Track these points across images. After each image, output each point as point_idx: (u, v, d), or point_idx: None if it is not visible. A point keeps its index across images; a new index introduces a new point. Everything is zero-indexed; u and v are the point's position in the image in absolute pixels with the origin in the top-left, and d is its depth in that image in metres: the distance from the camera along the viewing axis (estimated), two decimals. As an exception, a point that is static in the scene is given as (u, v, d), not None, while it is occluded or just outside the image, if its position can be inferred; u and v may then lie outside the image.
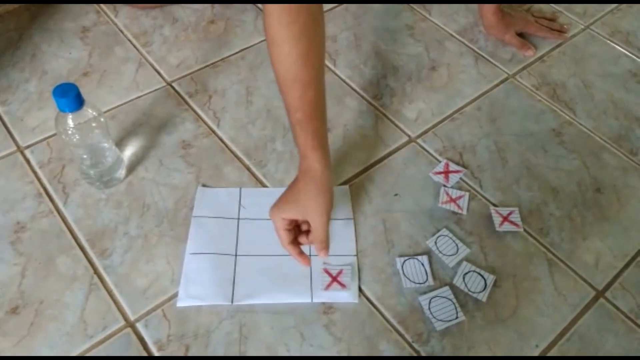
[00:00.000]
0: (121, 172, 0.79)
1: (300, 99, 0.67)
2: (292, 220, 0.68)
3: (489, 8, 1.03)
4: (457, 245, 0.76)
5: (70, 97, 0.66)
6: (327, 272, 0.71)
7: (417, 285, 0.72)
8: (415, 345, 0.68)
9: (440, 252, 0.75)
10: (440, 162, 0.85)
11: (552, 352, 0.68)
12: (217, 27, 1.03)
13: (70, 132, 0.70)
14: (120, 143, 0.84)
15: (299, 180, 0.68)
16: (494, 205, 0.81)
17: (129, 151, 0.83)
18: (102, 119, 0.72)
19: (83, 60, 0.95)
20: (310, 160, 0.67)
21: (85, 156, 0.74)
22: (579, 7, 1.15)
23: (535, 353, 0.68)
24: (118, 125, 0.86)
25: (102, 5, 1.04)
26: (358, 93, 0.94)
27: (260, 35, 1.02)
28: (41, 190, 0.78)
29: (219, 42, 1.00)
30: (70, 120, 0.69)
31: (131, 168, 0.81)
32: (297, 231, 0.70)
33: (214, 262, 0.72)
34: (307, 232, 0.70)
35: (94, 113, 0.71)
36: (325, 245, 0.68)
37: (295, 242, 0.69)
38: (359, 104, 0.93)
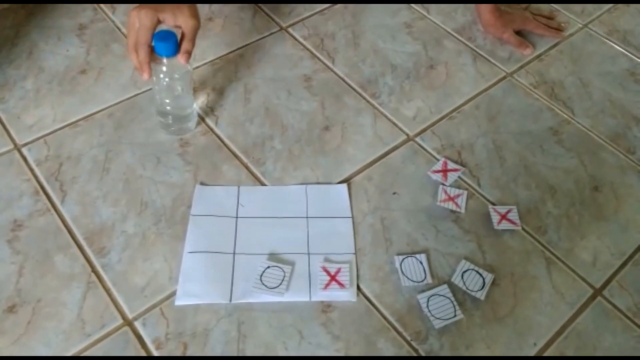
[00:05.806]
0: (193, 123, 0.85)
1: None
2: (156, 23, 0.71)
3: (486, 6, 1.03)
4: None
5: (169, 43, 0.72)
6: (325, 270, 0.71)
7: (416, 283, 0.72)
8: (414, 344, 0.68)
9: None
10: (438, 160, 0.85)
11: (550, 350, 0.68)
12: (215, 24, 1.02)
13: (161, 75, 0.76)
14: (118, 140, 0.83)
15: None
16: (492, 203, 0.81)
17: (128, 149, 0.83)
18: (191, 70, 0.79)
19: (80, 57, 0.94)
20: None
21: (167, 100, 0.80)
22: (576, 6, 1.15)
23: (533, 351, 0.68)
24: (115, 122, 0.86)
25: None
26: (356, 91, 0.94)
27: (258, 33, 1.02)
28: (38, 188, 0.77)
29: (216, 40, 1.00)
30: (164, 64, 0.75)
31: (129, 166, 0.81)
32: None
33: (212, 261, 0.72)
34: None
35: (187, 65, 0.76)
36: (190, 51, 0.73)
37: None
38: (357, 102, 0.93)
